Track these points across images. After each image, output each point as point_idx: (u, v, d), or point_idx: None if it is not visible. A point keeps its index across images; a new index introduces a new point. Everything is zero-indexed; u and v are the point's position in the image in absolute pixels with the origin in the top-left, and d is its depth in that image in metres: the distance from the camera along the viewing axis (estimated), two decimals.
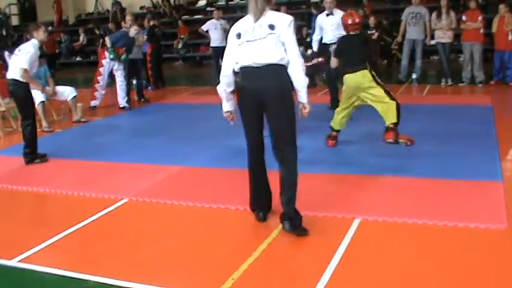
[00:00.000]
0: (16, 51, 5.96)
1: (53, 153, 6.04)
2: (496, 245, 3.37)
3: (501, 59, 9.45)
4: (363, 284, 3.01)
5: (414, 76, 10.24)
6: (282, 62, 3.49)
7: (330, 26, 7.53)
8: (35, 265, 3.42)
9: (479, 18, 9.34)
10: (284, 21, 3.50)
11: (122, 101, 9.14)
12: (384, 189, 4.43)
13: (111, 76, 9.27)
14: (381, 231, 3.67)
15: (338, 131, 5.70)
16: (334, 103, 7.64)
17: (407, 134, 5.52)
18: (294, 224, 3.57)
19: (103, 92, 9.19)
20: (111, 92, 9.54)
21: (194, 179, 5.02)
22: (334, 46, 7.23)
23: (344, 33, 7.50)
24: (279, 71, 3.49)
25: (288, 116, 3.54)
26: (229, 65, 3.67)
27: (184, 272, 3.27)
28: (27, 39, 6.06)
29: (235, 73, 3.67)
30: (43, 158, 5.88)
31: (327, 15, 7.54)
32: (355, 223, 3.77)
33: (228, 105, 3.85)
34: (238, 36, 3.59)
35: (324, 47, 7.66)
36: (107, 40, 9.00)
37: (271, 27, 3.48)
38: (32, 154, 5.83)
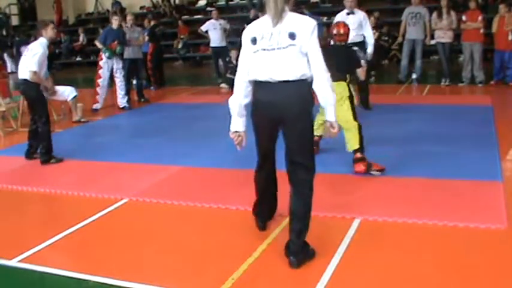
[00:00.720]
0: (25, 51, 5.96)
1: (53, 153, 6.04)
2: (496, 245, 3.37)
3: (501, 59, 9.46)
4: (363, 284, 3.01)
5: (414, 76, 10.25)
6: (304, 77, 3.08)
7: (350, 25, 7.46)
8: (35, 265, 3.43)
9: (479, 18, 9.34)
10: (306, 28, 3.03)
11: (121, 101, 9.15)
12: (384, 189, 4.43)
13: (111, 77, 9.26)
14: (381, 231, 3.68)
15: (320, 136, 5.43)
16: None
17: (403, 135, 5.48)
18: (300, 259, 3.20)
19: (104, 96, 9.16)
20: (111, 92, 9.54)
21: (194, 179, 5.02)
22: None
23: (363, 32, 7.38)
24: (300, 87, 3.08)
25: (307, 137, 3.19)
26: (245, 73, 3.21)
27: (184, 272, 3.27)
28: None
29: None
30: (58, 159, 5.84)
31: (347, 14, 7.41)
32: (355, 223, 3.77)
33: (239, 124, 3.29)
34: (254, 41, 3.12)
35: None
36: (97, 43, 9.08)
37: (292, 36, 3.02)
38: (48, 154, 5.80)
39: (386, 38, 12.97)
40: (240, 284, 3.06)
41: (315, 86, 3.09)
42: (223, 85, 11.00)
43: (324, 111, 3.21)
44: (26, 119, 8.00)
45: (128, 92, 9.50)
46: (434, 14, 9.70)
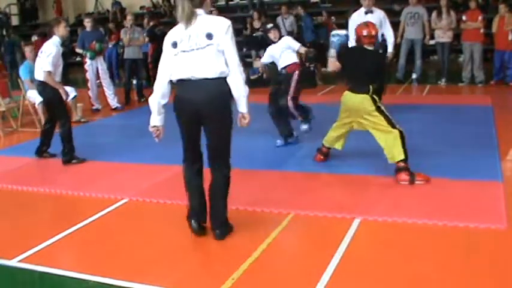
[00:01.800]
0: (39, 53, 5.94)
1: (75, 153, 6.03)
2: (496, 245, 3.38)
3: (501, 59, 9.45)
4: (363, 283, 3.01)
5: (414, 76, 10.24)
6: (223, 75, 3.35)
7: None
8: (35, 265, 3.43)
9: (479, 18, 9.35)
10: (221, 28, 3.31)
11: (112, 102, 9.17)
12: (384, 189, 4.43)
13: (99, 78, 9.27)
14: (380, 231, 3.68)
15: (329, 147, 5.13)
16: None
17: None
18: (224, 231, 3.60)
19: (95, 97, 9.14)
20: (117, 91, 9.56)
21: None
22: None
23: (383, 31, 6.87)
24: (219, 84, 3.35)
25: (225, 133, 3.46)
26: (165, 75, 3.48)
27: (184, 272, 3.27)
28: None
29: (172, 83, 3.52)
30: (80, 159, 5.80)
31: (366, 13, 6.95)
32: (355, 223, 3.77)
33: (157, 119, 3.63)
34: (174, 45, 3.39)
35: None
36: (77, 49, 9.25)
37: (209, 36, 3.29)
38: (69, 154, 5.77)
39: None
40: (240, 284, 3.06)
41: (229, 79, 3.35)
42: None
43: (237, 102, 3.44)
44: (26, 119, 8.03)
45: (128, 92, 9.55)
46: (434, 14, 9.71)
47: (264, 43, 6.30)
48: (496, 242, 3.42)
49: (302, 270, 3.18)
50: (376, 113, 4.59)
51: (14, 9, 19.89)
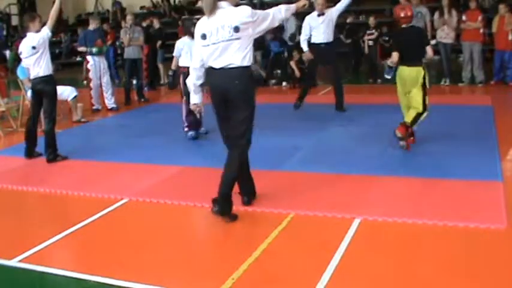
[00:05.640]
0: (25, 51, 5.84)
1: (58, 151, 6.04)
2: (496, 245, 3.38)
3: (501, 58, 9.45)
4: (363, 284, 3.01)
5: None
6: (245, 64, 3.69)
7: (321, 28, 7.54)
8: (35, 265, 3.43)
9: (479, 18, 9.34)
10: (246, 18, 3.63)
11: (109, 102, 9.17)
12: (384, 189, 4.43)
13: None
14: (381, 231, 3.68)
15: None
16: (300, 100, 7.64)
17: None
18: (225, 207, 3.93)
19: (97, 96, 9.16)
20: (117, 91, 9.56)
21: (194, 179, 5.01)
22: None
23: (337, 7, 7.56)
24: (242, 73, 3.70)
25: (246, 117, 3.79)
26: (198, 60, 3.87)
27: (184, 272, 3.28)
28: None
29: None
30: (63, 157, 5.91)
31: (318, 15, 7.52)
32: (355, 223, 3.77)
33: (196, 98, 4.04)
34: (203, 37, 3.73)
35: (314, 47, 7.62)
36: (79, 48, 9.32)
37: (236, 29, 3.62)
38: (54, 152, 5.89)
39: (386, 38, 12.97)
40: (240, 284, 3.06)
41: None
42: None
43: None
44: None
45: (128, 92, 9.57)
46: (436, 14, 9.69)
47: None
48: (496, 242, 3.42)
49: (302, 270, 3.18)
50: (420, 87, 5.35)
51: (14, 9, 19.91)
